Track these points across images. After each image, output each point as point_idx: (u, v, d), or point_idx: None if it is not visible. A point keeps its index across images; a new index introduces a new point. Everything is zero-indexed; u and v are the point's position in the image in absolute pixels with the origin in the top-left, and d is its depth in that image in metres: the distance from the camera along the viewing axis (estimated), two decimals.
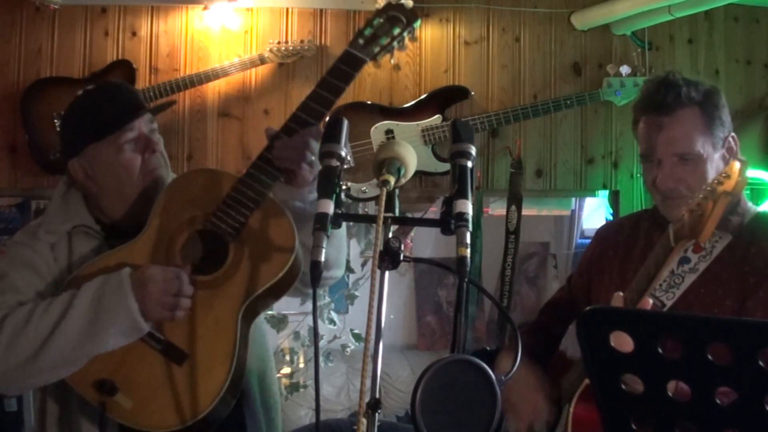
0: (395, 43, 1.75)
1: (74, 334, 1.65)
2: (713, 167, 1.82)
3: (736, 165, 1.51)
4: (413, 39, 1.81)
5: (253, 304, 1.75)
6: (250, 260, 1.73)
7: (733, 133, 1.86)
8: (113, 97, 1.84)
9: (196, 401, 1.68)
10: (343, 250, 1.95)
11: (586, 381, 1.77)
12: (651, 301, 1.70)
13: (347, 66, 1.74)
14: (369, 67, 3.49)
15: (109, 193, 1.85)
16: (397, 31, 1.74)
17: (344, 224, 1.88)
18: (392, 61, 1.74)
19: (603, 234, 2.14)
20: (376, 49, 1.74)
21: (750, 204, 1.89)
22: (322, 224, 1.26)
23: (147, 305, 1.67)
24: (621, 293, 1.73)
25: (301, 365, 4.57)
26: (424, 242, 5.60)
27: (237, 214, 1.74)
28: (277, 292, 1.77)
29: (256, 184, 1.75)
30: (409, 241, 5.49)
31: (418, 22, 1.77)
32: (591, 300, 2.05)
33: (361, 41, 1.75)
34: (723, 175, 1.56)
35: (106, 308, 1.66)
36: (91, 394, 1.70)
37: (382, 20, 1.76)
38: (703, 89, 1.83)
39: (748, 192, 3.52)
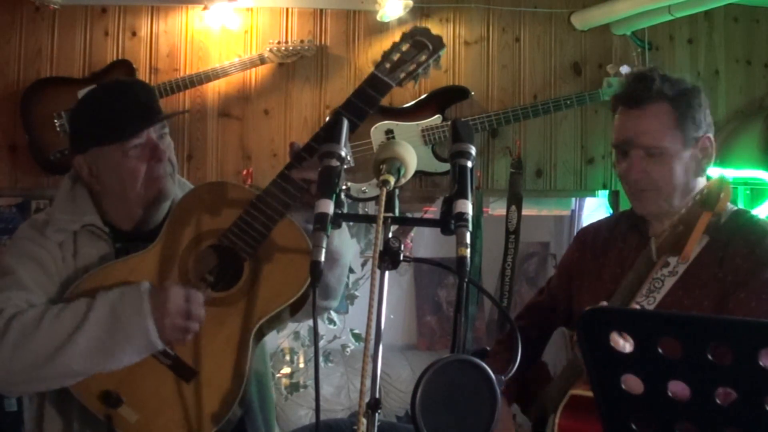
0: (420, 70, 1.74)
1: (87, 347, 1.61)
2: (681, 164, 1.82)
3: (718, 183, 1.52)
4: (437, 67, 1.79)
5: (266, 324, 1.73)
6: (265, 280, 1.71)
7: (709, 135, 1.85)
8: (126, 102, 1.78)
9: (203, 420, 1.66)
10: (343, 281, 1.93)
11: (571, 392, 1.77)
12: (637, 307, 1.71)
13: (373, 90, 1.71)
14: (369, 67, 3.48)
15: (111, 195, 1.82)
16: (423, 57, 1.73)
17: (347, 261, 1.88)
18: (415, 87, 1.72)
19: (582, 237, 2.13)
20: (402, 75, 1.73)
21: (728, 203, 1.89)
22: (321, 224, 1.26)
23: (165, 326, 1.63)
24: (605, 303, 1.73)
25: (301, 365, 4.56)
26: (424, 242, 5.59)
27: (254, 231, 1.70)
28: (290, 313, 1.75)
29: (275, 202, 1.71)
30: (409, 241, 5.48)
31: (444, 50, 1.75)
32: (573, 304, 2.04)
33: (387, 65, 1.73)
34: (705, 191, 1.56)
35: (123, 326, 1.62)
36: (96, 405, 1.66)
37: (408, 45, 1.74)
38: (679, 87, 1.84)
39: (747, 192, 3.53)
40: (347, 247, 1.88)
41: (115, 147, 1.77)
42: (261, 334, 1.75)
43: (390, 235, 1.28)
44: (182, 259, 1.73)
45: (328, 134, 1.39)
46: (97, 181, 1.82)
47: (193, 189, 1.85)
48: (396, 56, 1.73)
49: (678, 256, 1.58)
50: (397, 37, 1.79)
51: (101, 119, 1.78)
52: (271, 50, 3.34)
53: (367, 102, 1.71)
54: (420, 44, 1.74)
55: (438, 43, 1.75)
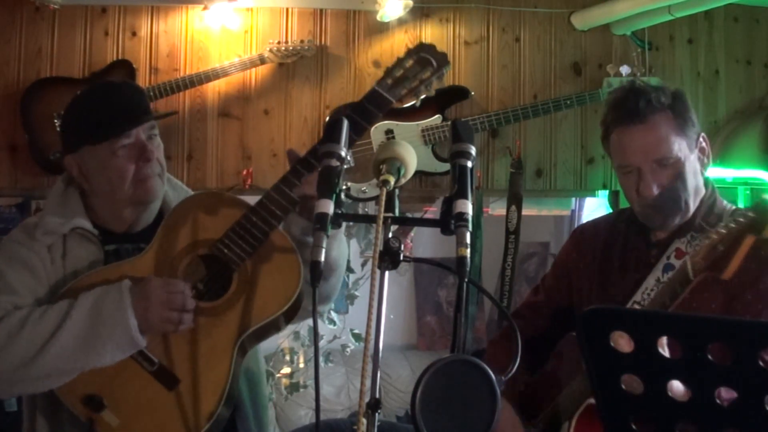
0: (423, 87, 1.74)
1: (70, 345, 1.63)
2: (691, 169, 1.81)
3: (764, 206, 1.51)
4: (441, 81, 1.79)
5: (251, 337, 1.73)
6: (253, 292, 1.70)
7: (703, 133, 1.86)
8: (115, 101, 1.80)
9: (183, 429, 1.66)
10: (338, 288, 1.94)
11: (589, 401, 1.74)
12: None
13: (373, 105, 1.71)
14: (369, 68, 3.50)
15: (100, 195, 1.84)
16: (426, 74, 1.73)
17: (343, 270, 1.88)
18: (417, 104, 1.71)
19: (579, 237, 2.11)
20: (403, 91, 1.73)
21: (725, 202, 1.89)
22: (322, 224, 1.26)
23: (148, 319, 1.65)
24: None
25: (301, 365, 4.56)
26: (424, 242, 5.60)
27: (245, 243, 1.71)
28: (276, 326, 1.75)
29: (268, 215, 1.71)
30: (409, 241, 5.48)
31: (449, 67, 1.75)
32: (573, 304, 2.03)
33: (389, 81, 1.73)
34: (750, 213, 1.54)
35: (104, 322, 1.64)
36: (79, 407, 1.67)
37: (412, 62, 1.74)
38: (669, 92, 1.83)
39: (747, 192, 3.53)
40: (344, 257, 1.89)
41: (103, 146, 1.77)
42: (247, 346, 1.75)
43: (390, 235, 1.28)
44: (173, 266, 1.74)
45: (328, 135, 1.39)
46: (86, 181, 1.83)
47: (189, 197, 1.86)
48: (399, 72, 1.74)
49: (718, 276, 1.57)
50: (396, 42, 1.78)
51: (90, 119, 1.80)
52: (271, 50, 3.34)
53: (365, 117, 1.71)
54: (424, 61, 1.74)
55: (442, 60, 1.75)
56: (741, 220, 1.54)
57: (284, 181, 1.73)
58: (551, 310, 2.08)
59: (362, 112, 1.71)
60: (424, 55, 1.74)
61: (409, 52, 1.76)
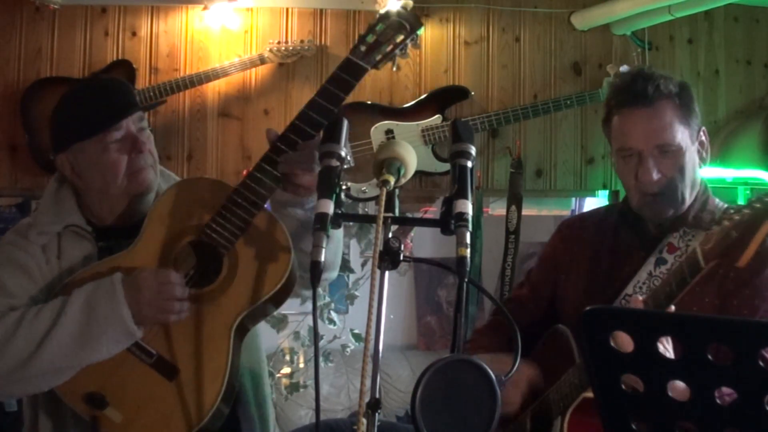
0: (398, 51, 1.70)
1: (66, 342, 1.63)
2: (691, 160, 1.80)
3: None
4: (416, 46, 1.75)
5: (247, 319, 1.73)
6: (244, 274, 1.70)
7: (703, 127, 1.85)
8: (102, 96, 1.80)
9: (187, 417, 1.66)
10: (340, 252, 1.93)
11: (583, 395, 1.73)
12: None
13: (347, 74, 1.68)
14: None
15: (94, 191, 1.83)
16: (400, 38, 1.69)
17: (342, 227, 1.87)
18: (394, 69, 1.68)
19: (566, 230, 2.09)
20: (378, 57, 1.69)
21: (717, 200, 1.88)
22: (322, 224, 1.26)
23: (141, 310, 1.65)
24: (640, 297, 1.70)
25: (301, 365, 4.56)
26: (424, 242, 5.60)
27: (232, 225, 1.70)
28: (271, 305, 1.75)
29: (252, 195, 1.70)
30: (409, 241, 5.48)
31: (422, 30, 1.72)
32: (557, 298, 2.02)
33: (362, 48, 1.69)
34: (765, 198, 1.52)
35: (98, 316, 1.64)
36: (81, 406, 1.67)
37: (384, 26, 1.70)
38: (677, 82, 1.82)
39: (747, 192, 3.53)
40: (338, 232, 1.87)
41: (94, 141, 1.77)
42: (243, 329, 1.75)
43: (390, 235, 1.28)
44: (164, 256, 1.74)
45: (327, 134, 1.39)
46: (79, 178, 1.83)
47: (173, 185, 1.85)
48: (372, 38, 1.69)
49: (732, 263, 1.55)
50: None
51: (79, 115, 1.80)
52: (271, 50, 3.34)
53: (341, 87, 1.68)
54: (397, 24, 1.69)
55: (415, 21, 1.70)
56: (757, 205, 1.52)
57: (265, 160, 1.71)
58: (535, 304, 2.07)
59: (337, 83, 1.68)
60: (396, 19, 1.70)
61: (381, 17, 1.72)
